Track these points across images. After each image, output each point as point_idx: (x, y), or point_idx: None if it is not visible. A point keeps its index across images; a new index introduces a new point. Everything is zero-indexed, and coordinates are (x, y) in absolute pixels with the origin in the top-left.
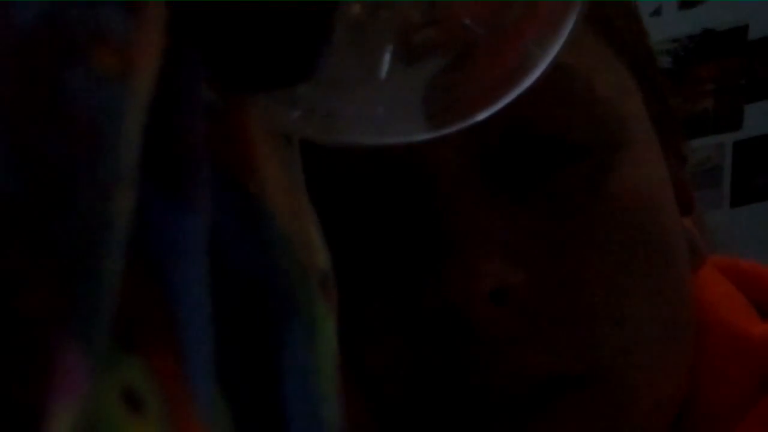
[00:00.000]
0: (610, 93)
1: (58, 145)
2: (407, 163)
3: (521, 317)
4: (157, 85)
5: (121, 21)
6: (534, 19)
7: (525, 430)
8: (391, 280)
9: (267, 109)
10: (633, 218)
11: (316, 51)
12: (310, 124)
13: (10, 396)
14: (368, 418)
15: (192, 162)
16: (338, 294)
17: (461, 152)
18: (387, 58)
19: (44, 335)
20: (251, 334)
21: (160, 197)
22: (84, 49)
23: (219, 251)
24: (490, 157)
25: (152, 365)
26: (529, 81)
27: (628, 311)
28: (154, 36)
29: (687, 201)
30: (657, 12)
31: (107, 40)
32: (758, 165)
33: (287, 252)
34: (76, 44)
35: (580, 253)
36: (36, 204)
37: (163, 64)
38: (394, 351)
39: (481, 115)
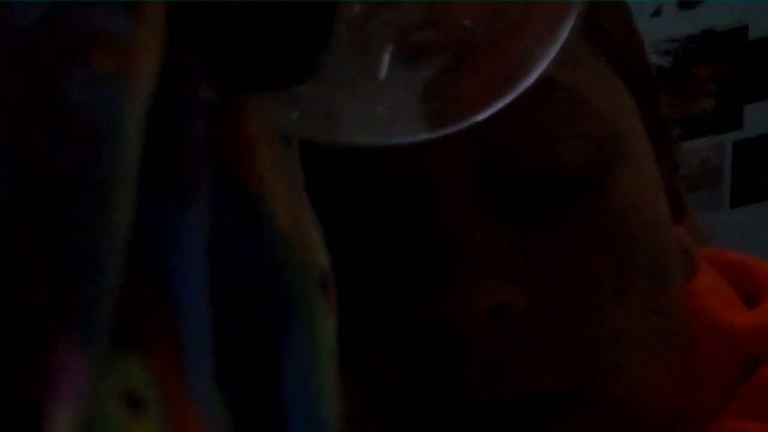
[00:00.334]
0: (609, 112)
1: (58, 145)
2: (408, 179)
3: (518, 335)
4: (157, 85)
5: (121, 21)
6: (533, 20)
7: None
8: (388, 292)
9: (267, 109)
10: (631, 237)
11: (316, 51)
12: (310, 124)
13: (11, 396)
14: (368, 417)
15: (191, 162)
16: (338, 297)
17: (461, 171)
18: (387, 58)
19: (44, 335)
20: (251, 334)
21: (160, 197)
22: (84, 49)
23: (219, 251)
24: (490, 176)
25: (152, 365)
26: (528, 81)
27: (623, 329)
28: (154, 36)
29: (680, 208)
30: (657, 12)
31: (107, 40)
32: (758, 165)
33: (287, 252)
34: (75, 44)
35: (578, 273)
36: (36, 203)
37: (163, 64)
38: (392, 356)
39: (481, 115)
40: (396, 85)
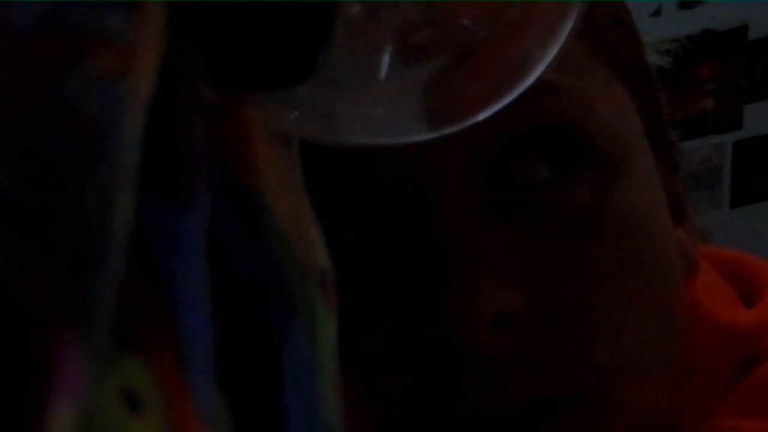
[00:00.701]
0: (611, 118)
1: (58, 145)
2: (407, 186)
3: (519, 342)
4: (157, 85)
5: (121, 21)
6: (533, 20)
7: None
8: (389, 298)
9: (267, 109)
10: (631, 242)
11: (315, 51)
12: (310, 124)
13: (11, 396)
14: (368, 417)
15: (191, 162)
16: (338, 299)
17: (461, 177)
18: (387, 58)
19: (44, 335)
20: (251, 334)
21: (160, 197)
22: (84, 50)
23: (219, 251)
24: (490, 182)
25: (152, 365)
26: (528, 81)
27: (623, 333)
28: (154, 36)
29: (680, 210)
30: (657, 12)
31: (107, 40)
32: (758, 165)
33: (287, 252)
34: (75, 44)
35: (579, 279)
36: (36, 204)
37: (163, 64)
38: (394, 365)
39: (481, 115)
40: (396, 85)
